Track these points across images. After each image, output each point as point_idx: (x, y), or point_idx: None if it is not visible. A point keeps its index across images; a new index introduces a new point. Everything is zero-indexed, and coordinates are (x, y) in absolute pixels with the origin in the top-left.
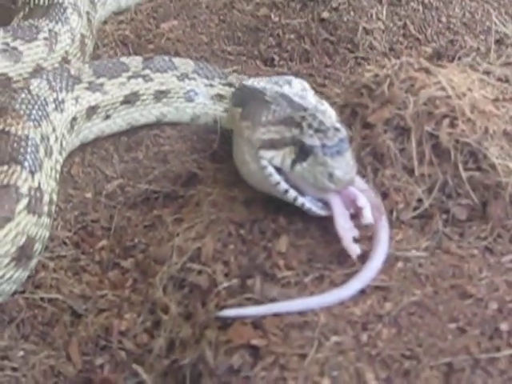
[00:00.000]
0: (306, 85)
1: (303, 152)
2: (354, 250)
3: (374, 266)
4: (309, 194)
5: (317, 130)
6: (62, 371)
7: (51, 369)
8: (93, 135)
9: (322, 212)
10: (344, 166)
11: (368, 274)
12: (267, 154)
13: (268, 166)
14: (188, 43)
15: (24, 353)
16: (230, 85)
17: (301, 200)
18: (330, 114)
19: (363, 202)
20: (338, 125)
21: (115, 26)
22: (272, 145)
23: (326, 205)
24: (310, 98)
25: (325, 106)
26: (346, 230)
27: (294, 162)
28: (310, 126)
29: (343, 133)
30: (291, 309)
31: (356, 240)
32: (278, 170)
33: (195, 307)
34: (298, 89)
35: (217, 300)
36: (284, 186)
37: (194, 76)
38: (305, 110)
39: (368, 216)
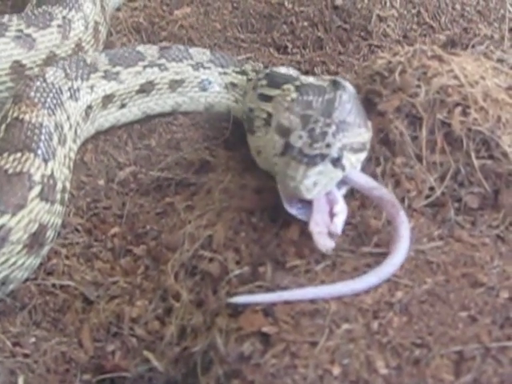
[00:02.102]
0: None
1: (286, 147)
2: (323, 244)
3: (393, 262)
4: None
5: (310, 136)
6: (73, 357)
7: (63, 355)
8: (108, 124)
9: (292, 211)
10: (299, 177)
11: (387, 269)
12: (275, 137)
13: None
14: (201, 30)
15: (36, 339)
16: (244, 73)
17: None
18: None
19: (339, 209)
20: (335, 144)
21: (129, 12)
22: (281, 131)
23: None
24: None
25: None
26: (317, 224)
27: (281, 154)
28: (311, 129)
29: (330, 152)
30: (303, 297)
31: (331, 236)
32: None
33: (206, 295)
34: None
35: (228, 287)
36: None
37: (208, 65)
38: (328, 117)
39: (338, 224)
